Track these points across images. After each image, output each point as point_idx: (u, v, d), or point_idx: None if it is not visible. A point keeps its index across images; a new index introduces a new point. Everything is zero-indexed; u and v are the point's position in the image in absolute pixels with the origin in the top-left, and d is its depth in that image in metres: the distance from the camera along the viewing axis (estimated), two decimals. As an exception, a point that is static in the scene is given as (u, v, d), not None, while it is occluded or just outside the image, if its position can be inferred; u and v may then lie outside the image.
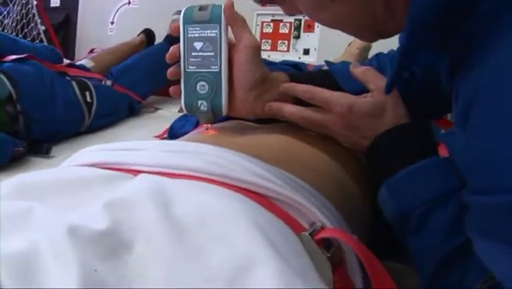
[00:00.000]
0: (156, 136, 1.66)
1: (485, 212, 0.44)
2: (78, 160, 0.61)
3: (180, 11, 1.84)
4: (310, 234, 0.47)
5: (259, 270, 0.37)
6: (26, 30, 3.11)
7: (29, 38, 3.11)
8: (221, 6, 0.70)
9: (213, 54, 0.70)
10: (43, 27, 3.18)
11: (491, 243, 0.44)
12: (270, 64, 0.97)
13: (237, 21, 0.71)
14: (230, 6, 0.70)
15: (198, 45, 0.71)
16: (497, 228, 0.43)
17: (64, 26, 3.39)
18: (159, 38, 2.51)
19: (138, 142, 0.63)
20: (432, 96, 0.71)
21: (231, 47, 0.71)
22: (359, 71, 0.72)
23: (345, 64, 0.78)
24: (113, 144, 0.64)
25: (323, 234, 0.47)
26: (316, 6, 0.55)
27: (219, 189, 0.47)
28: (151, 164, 0.53)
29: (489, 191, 0.43)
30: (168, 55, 0.74)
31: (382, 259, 0.69)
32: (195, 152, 0.56)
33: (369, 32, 0.61)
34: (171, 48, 0.74)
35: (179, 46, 0.73)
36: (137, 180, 0.48)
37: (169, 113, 2.03)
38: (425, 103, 0.72)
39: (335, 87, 0.74)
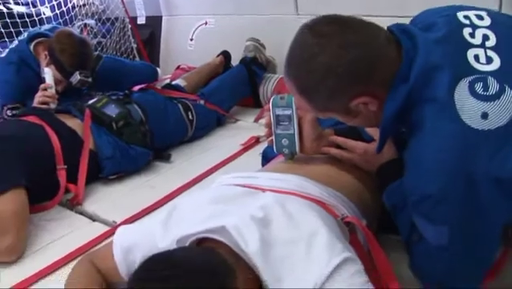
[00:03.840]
0: (242, 144, 2.34)
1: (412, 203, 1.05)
2: (226, 181, 1.26)
3: (253, 38, 2.56)
4: (341, 219, 1.10)
5: (320, 234, 0.99)
6: (122, 48, 3.77)
7: (124, 55, 3.75)
8: (292, 96, 1.30)
9: (289, 124, 1.34)
10: (135, 45, 3.83)
11: (417, 218, 1.04)
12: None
13: None
14: None
15: (281, 119, 1.35)
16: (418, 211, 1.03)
17: (149, 42, 3.93)
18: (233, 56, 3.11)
19: (255, 172, 1.27)
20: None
21: (300, 118, 1.34)
22: (369, 129, 1.32)
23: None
24: (241, 173, 1.29)
25: (346, 219, 1.11)
26: (345, 120, 1.15)
27: (303, 200, 1.11)
28: (269, 186, 1.18)
29: (410, 194, 1.04)
30: (265, 124, 1.38)
31: (390, 232, 1.30)
32: (287, 179, 1.20)
33: (371, 126, 1.23)
34: (265, 119, 1.38)
35: (270, 118, 1.36)
36: (267, 195, 1.13)
37: (247, 123, 2.70)
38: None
39: (359, 137, 1.35)
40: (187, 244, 1.05)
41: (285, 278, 0.97)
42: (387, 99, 1.05)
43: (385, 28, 1.10)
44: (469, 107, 0.97)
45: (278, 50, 2.91)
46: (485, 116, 0.96)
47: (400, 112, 1.04)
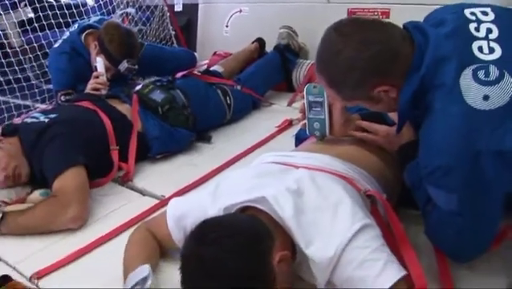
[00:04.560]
0: (277, 126, 2.52)
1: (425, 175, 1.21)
2: (265, 159, 1.45)
3: (286, 26, 2.77)
4: (363, 192, 1.27)
5: (344, 203, 1.18)
6: (161, 35, 3.96)
7: (163, 42, 3.96)
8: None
9: (321, 109, 1.52)
10: (173, 32, 4.02)
11: (430, 187, 1.21)
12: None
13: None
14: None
15: (314, 104, 1.53)
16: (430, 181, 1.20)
17: (187, 29, 4.13)
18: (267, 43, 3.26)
19: (290, 152, 1.46)
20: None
21: (330, 105, 1.51)
22: (391, 114, 1.49)
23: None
24: (278, 152, 1.48)
25: (368, 193, 1.29)
26: (368, 106, 1.32)
27: (331, 176, 1.29)
28: (302, 164, 1.36)
29: (423, 167, 1.20)
30: (299, 109, 1.56)
31: (409, 208, 1.45)
32: (318, 158, 1.38)
33: (391, 111, 1.39)
34: (300, 105, 1.55)
35: (304, 104, 1.53)
36: (300, 171, 1.31)
37: (281, 107, 2.88)
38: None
39: (382, 121, 1.51)
40: (232, 211, 1.25)
41: (314, 240, 1.15)
42: (403, 86, 1.22)
43: (400, 26, 1.28)
44: (472, 91, 1.13)
45: (309, 36, 3.09)
46: (486, 98, 1.12)
47: (414, 97, 1.22)
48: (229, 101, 2.63)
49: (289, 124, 2.54)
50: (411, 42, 1.22)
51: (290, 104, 2.87)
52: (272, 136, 2.45)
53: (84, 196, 1.83)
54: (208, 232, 1.12)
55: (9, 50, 3.34)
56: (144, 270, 1.30)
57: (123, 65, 2.55)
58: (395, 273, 1.10)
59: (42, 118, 2.06)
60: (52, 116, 2.07)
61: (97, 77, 2.48)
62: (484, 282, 1.32)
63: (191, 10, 4.09)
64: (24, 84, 3.44)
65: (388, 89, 1.23)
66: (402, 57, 1.21)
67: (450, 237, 1.25)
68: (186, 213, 1.37)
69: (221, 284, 1.07)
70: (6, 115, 3.25)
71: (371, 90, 1.24)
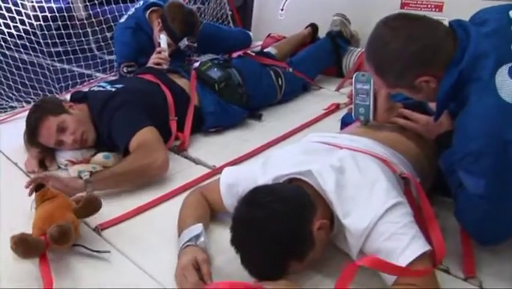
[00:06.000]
0: (324, 109, 2.65)
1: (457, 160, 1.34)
2: (312, 139, 1.60)
3: (339, 13, 2.91)
4: (399, 174, 1.41)
5: (380, 182, 1.31)
6: (218, 14, 4.11)
7: (220, 21, 4.11)
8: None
9: (366, 96, 1.65)
10: (230, 12, 4.16)
11: (461, 172, 1.33)
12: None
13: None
14: None
15: (360, 92, 1.66)
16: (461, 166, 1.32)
17: (243, 9, 4.26)
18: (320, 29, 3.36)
19: (335, 134, 1.60)
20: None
21: (376, 93, 1.64)
22: (431, 105, 1.60)
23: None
24: (324, 133, 1.62)
25: (403, 175, 1.43)
26: (410, 95, 1.45)
27: (371, 157, 1.42)
28: (345, 145, 1.50)
29: (456, 153, 1.32)
30: (347, 95, 1.70)
31: (443, 195, 1.57)
32: (360, 141, 1.52)
33: (431, 100, 1.50)
34: (348, 91, 1.69)
35: (352, 90, 1.67)
36: (343, 151, 1.45)
37: (329, 91, 3.00)
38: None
39: (423, 110, 1.63)
40: (281, 181, 1.40)
41: (351, 213, 1.29)
42: (443, 78, 1.34)
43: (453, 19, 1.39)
44: (506, 86, 1.23)
45: (362, 25, 3.16)
46: None
47: (453, 89, 1.33)
48: (280, 82, 2.76)
49: (336, 107, 2.65)
50: (454, 38, 1.33)
51: (338, 89, 2.97)
52: (319, 118, 2.57)
53: (164, 145, 2.05)
54: (259, 197, 1.28)
55: (77, 23, 3.57)
56: (198, 228, 1.47)
57: (184, 42, 2.73)
58: (420, 247, 1.22)
59: (109, 87, 2.26)
60: (118, 86, 2.26)
61: (159, 52, 2.67)
62: (504, 267, 1.41)
63: (248, -9, 4.19)
64: (88, 54, 3.66)
65: (429, 80, 1.35)
66: (444, 52, 1.33)
67: (475, 218, 1.36)
68: (238, 181, 1.53)
69: (267, 244, 1.22)
70: (70, 82, 3.49)
71: (413, 80, 1.36)
